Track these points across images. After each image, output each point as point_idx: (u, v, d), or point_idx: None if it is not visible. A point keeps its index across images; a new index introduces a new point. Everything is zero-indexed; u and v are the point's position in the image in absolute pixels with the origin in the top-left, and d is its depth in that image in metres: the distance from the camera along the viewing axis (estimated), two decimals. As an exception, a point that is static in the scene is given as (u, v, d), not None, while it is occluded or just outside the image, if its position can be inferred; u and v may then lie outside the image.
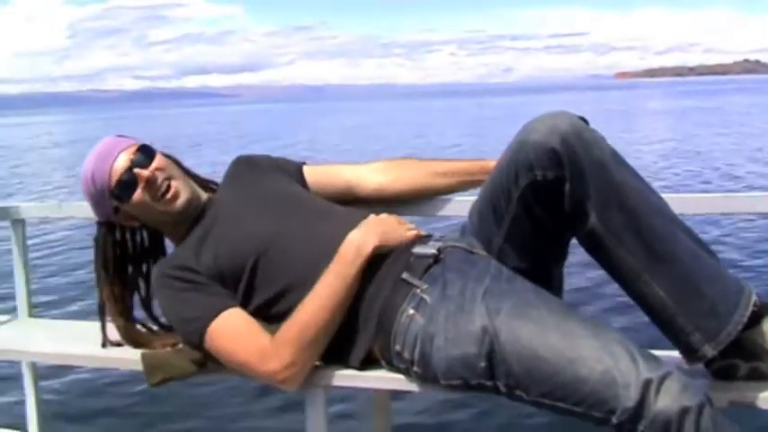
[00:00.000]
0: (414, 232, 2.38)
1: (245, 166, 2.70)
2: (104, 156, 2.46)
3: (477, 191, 2.38)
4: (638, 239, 1.96)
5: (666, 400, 1.74)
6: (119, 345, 2.63)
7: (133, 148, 2.46)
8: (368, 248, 2.25)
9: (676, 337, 1.98)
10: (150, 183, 2.41)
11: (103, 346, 2.64)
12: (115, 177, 2.43)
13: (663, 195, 2.09)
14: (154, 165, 2.44)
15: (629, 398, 1.76)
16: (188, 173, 2.64)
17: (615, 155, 2.01)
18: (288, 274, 2.33)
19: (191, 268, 2.36)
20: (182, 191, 2.45)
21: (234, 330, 2.26)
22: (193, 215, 2.51)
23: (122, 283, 2.64)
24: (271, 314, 2.33)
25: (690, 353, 1.99)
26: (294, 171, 2.73)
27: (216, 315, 2.27)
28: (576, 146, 1.94)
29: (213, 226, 2.46)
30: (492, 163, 2.51)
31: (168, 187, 2.43)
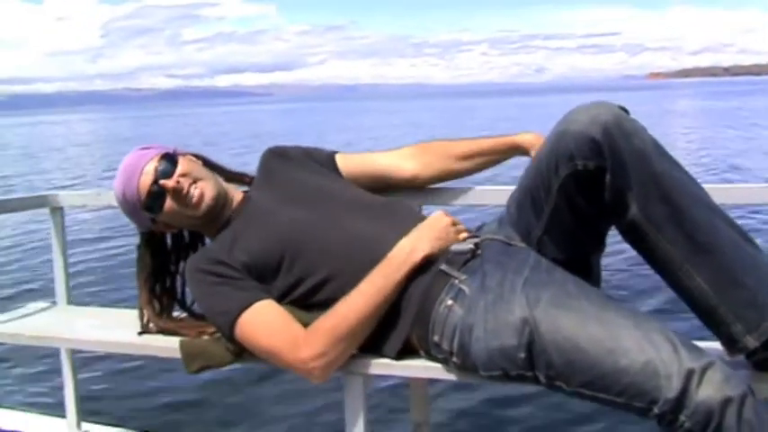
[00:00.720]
0: (464, 235, 2.37)
1: (277, 159, 2.71)
2: (131, 172, 2.49)
3: (512, 179, 2.37)
4: (678, 230, 1.93)
5: (709, 391, 1.72)
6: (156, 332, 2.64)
7: (156, 159, 2.48)
8: (418, 256, 2.24)
9: (717, 328, 1.96)
10: (177, 191, 2.43)
11: (141, 333, 2.64)
12: (144, 192, 2.46)
13: (704, 186, 2.08)
14: (178, 172, 2.45)
15: (671, 388, 1.74)
16: (216, 168, 2.67)
17: (656, 145, 1.99)
18: (324, 266, 2.33)
19: (223, 262, 2.36)
20: (207, 192, 2.46)
21: (265, 321, 2.26)
22: (223, 212, 2.52)
23: (162, 287, 2.68)
24: (307, 305, 2.33)
25: (731, 344, 1.96)
26: (327, 160, 2.73)
27: (247, 307, 2.27)
28: (616, 136, 1.92)
29: (248, 221, 2.48)
30: (518, 138, 2.59)
31: (195, 191, 2.45)
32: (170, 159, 2.49)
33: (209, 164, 2.65)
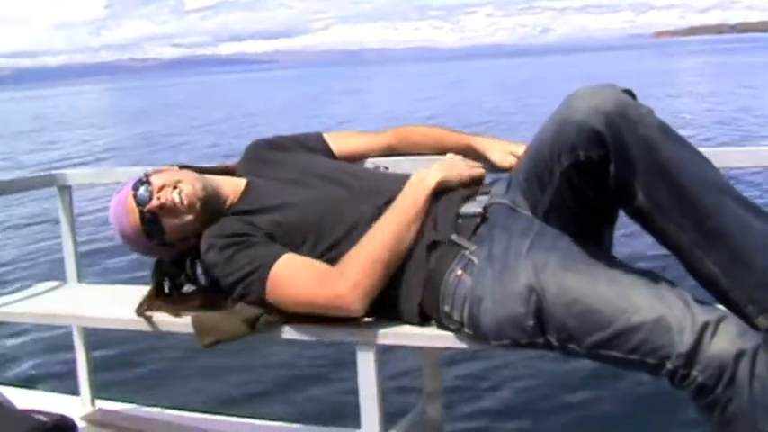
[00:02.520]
0: (478, 170, 2.49)
1: (270, 149, 2.76)
2: (119, 219, 2.52)
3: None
4: (686, 216, 1.90)
5: (724, 342, 1.73)
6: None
7: (130, 192, 2.50)
8: (432, 182, 2.33)
9: (732, 310, 1.95)
10: (164, 206, 2.44)
11: (139, 309, 2.61)
12: (138, 226, 2.48)
13: (709, 149, 2.05)
14: (155, 189, 2.46)
15: (684, 342, 1.75)
16: (196, 169, 2.67)
17: (662, 129, 1.93)
18: (346, 237, 2.35)
19: (241, 233, 2.38)
20: (191, 188, 2.46)
21: (295, 267, 2.29)
22: (221, 202, 2.54)
23: (172, 284, 2.68)
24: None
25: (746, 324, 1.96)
26: (317, 143, 2.81)
27: (275, 260, 2.29)
28: (620, 125, 1.87)
29: (256, 202, 2.50)
30: (478, 143, 2.64)
31: (180, 195, 2.45)
32: (142, 183, 2.49)
33: (186, 167, 2.67)
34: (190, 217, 2.46)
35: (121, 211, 2.51)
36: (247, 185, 2.59)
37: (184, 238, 2.52)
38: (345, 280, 2.21)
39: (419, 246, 2.26)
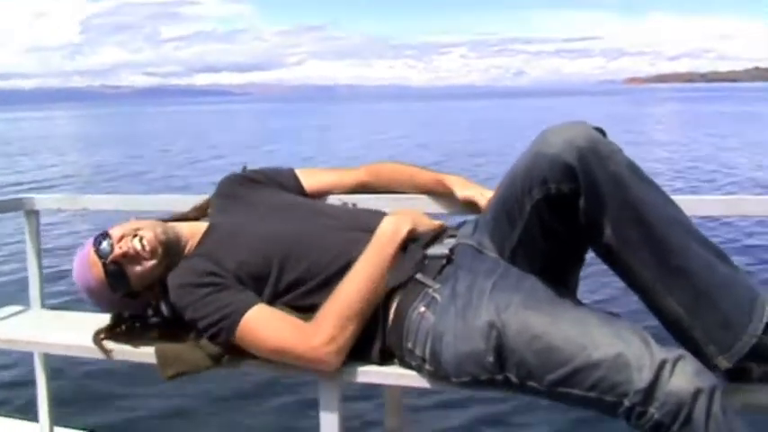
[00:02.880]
0: (438, 223, 2.51)
1: (241, 184, 2.78)
2: (83, 276, 2.55)
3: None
4: (652, 254, 1.94)
5: (681, 381, 1.75)
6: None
7: (91, 248, 2.52)
8: (404, 229, 2.35)
9: (693, 349, 1.96)
10: (125, 255, 2.46)
11: (96, 338, 2.61)
12: (102, 279, 2.50)
13: (679, 197, 2.08)
14: (115, 240, 2.48)
15: (642, 379, 1.76)
16: (163, 220, 2.69)
17: (632, 168, 1.98)
18: (310, 270, 2.37)
19: (212, 272, 2.38)
20: (151, 234, 2.48)
21: (270, 318, 2.29)
22: (181, 245, 2.55)
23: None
24: (296, 308, 2.36)
25: (706, 364, 1.97)
26: (288, 178, 2.84)
27: (248, 308, 2.29)
28: (591, 161, 1.91)
29: (219, 242, 2.51)
30: (448, 179, 2.69)
31: (141, 242, 2.47)
32: (102, 237, 2.51)
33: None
34: (153, 262, 2.47)
35: (85, 266, 2.52)
36: (209, 228, 2.61)
37: (149, 285, 2.52)
38: (321, 335, 2.21)
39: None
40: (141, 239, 2.46)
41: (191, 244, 2.57)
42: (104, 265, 2.47)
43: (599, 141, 1.95)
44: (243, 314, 2.28)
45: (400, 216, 2.43)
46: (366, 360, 2.29)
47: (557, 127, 1.98)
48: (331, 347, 2.21)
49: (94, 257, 2.49)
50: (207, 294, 2.34)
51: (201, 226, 2.64)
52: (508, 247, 2.13)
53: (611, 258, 2.01)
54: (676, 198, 2.05)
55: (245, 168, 2.87)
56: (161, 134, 41.92)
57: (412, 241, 2.36)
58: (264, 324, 2.28)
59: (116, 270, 2.47)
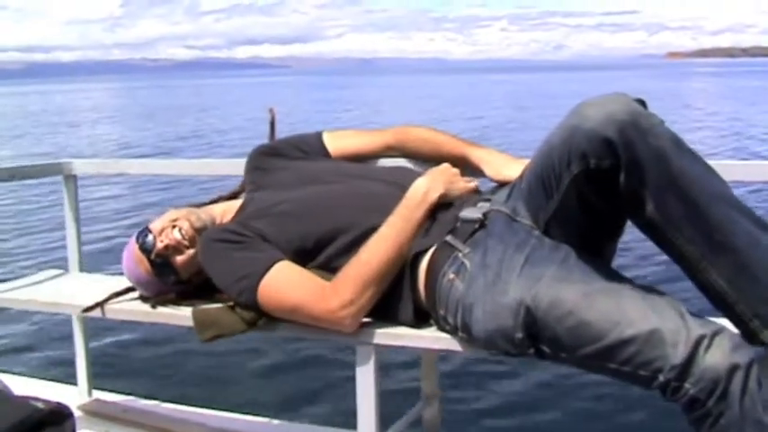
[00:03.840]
0: (473, 184, 2.44)
1: (268, 156, 2.78)
2: (132, 267, 2.63)
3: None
4: (696, 229, 1.90)
5: (717, 356, 1.71)
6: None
7: (135, 244, 2.59)
8: (434, 195, 2.31)
9: (737, 323, 1.94)
10: (168, 247, 2.53)
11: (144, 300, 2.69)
12: (150, 272, 2.59)
13: (722, 162, 2.04)
14: (155, 233, 2.55)
15: (677, 355, 1.73)
16: (194, 205, 2.74)
17: (675, 140, 1.92)
18: (341, 232, 2.37)
19: (236, 231, 2.40)
20: (187, 223, 2.54)
21: (290, 277, 2.29)
22: (216, 221, 2.61)
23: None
24: (328, 269, 2.35)
25: (751, 338, 1.94)
26: (315, 143, 2.80)
27: (270, 266, 2.29)
28: (632, 135, 1.85)
29: (256, 211, 2.53)
30: (476, 156, 2.59)
31: (180, 232, 2.53)
32: (144, 233, 2.58)
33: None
34: (193, 250, 2.52)
35: (132, 262, 2.60)
36: (243, 204, 2.64)
37: (197, 272, 2.56)
38: (341, 298, 2.20)
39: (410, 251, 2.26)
40: (180, 230, 2.53)
41: (226, 220, 2.60)
42: (150, 260, 2.54)
43: (640, 114, 1.89)
44: (264, 273, 2.28)
45: (433, 178, 2.38)
46: (401, 323, 2.28)
47: (595, 99, 1.92)
48: (348, 311, 2.20)
49: (140, 254, 2.56)
50: (230, 252, 2.37)
51: (236, 203, 2.67)
52: (543, 218, 2.09)
53: (654, 233, 1.96)
54: (721, 163, 2.01)
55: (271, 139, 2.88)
56: (200, 106, 42.10)
57: (444, 206, 2.33)
58: (285, 283, 2.28)
59: (162, 262, 2.54)
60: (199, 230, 2.52)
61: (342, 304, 2.20)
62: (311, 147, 2.78)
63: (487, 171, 2.53)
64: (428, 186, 2.33)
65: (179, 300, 2.61)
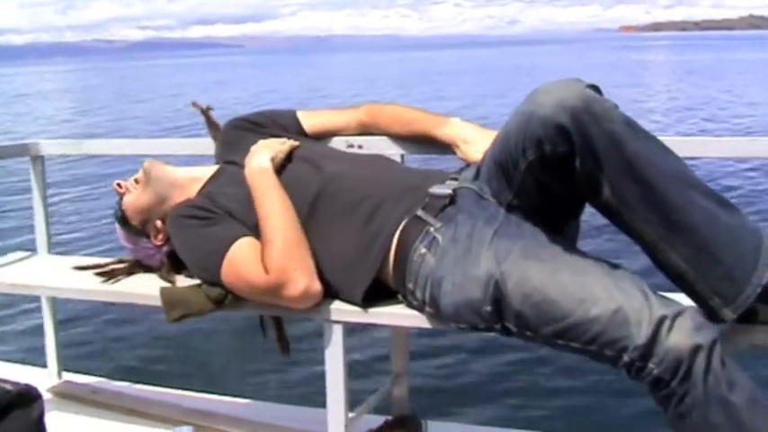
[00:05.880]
0: (289, 143, 2.57)
1: (243, 129, 2.78)
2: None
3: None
4: (652, 210, 1.91)
5: (679, 337, 1.74)
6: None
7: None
8: (268, 164, 2.44)
9: (698, 301, 1.96)
10: (124, 193, 2.67)
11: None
12: (123, 235, 2.72)
13: (678, 139, 2.04)
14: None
15: (641, 335, 1.75)
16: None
17: (628, 124, 1.93)
18: (299, 207, 2.36)
19: (204, 207, 2.42)
20: (143, 169, 2.64)
21: (248, 253, 2.28)
22: (179, 176, 2.65)
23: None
24: None
25: (711, 315, 1.95)
26: (291, 121, 2.81)
27: (232, 243, 2.30)
28: (585, 121, 1.86)
29: (226, 183, 2.55)
30: (443, 133, 2.60)
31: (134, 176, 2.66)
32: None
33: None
34: (139, 189, 2.63)
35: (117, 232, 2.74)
36: (215, 172, 2.64)
37: (145, 219, 2.64)
38: (275, 272, 2.20)
39: (363, 228, 2.27)
40: (135, 179, 2.65)
41: (196, 186, 2.60)
42: (117, 218, 2.67)
43: (593, 100, 1.90)
44: (228, 248, 2.29)
45: (256, 154, 2.49)
46: (369, 300, 2.27)
47: (548, 86, 1.93)
48: (288, 277, 2.20)
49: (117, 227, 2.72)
50: (198, 227, 2.39)
51: (209, 170, 2.66)
52: (504, 200, 2.11)
53: (612, 216, 1.98)
54: (677, 140, 2.03)
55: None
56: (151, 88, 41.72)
57: (410, 184, 2.34)
58: (245, 258, 2.28)
59: (122, 215, 2.65)
60: (147, 171, 2.62)
61: (279, 277, 2.20)
62: (288, 122, 2.80)
63: (458, 153, 2.55)
64: (255, 162, 2.45)
65: (171, 272, 2.63)
